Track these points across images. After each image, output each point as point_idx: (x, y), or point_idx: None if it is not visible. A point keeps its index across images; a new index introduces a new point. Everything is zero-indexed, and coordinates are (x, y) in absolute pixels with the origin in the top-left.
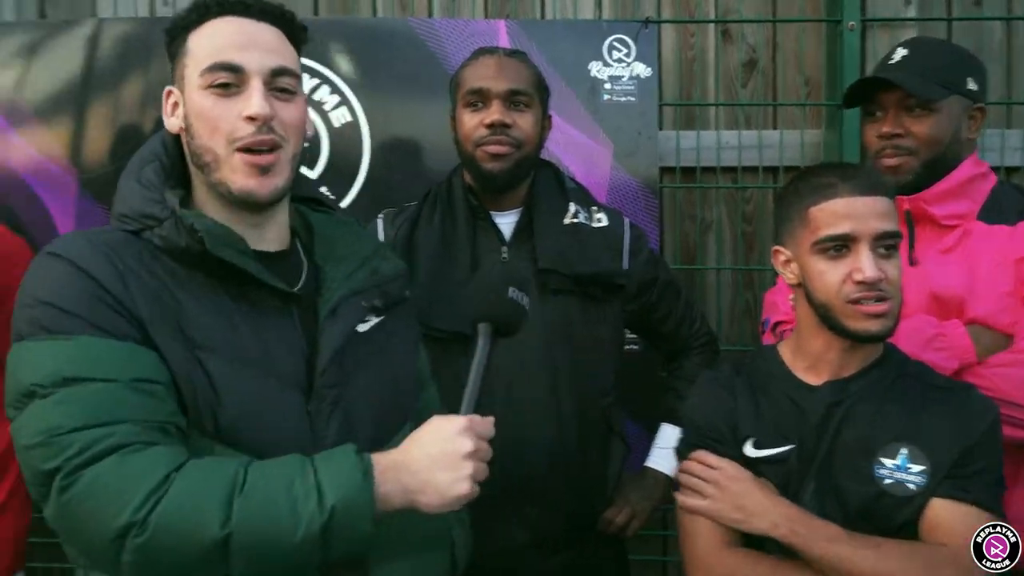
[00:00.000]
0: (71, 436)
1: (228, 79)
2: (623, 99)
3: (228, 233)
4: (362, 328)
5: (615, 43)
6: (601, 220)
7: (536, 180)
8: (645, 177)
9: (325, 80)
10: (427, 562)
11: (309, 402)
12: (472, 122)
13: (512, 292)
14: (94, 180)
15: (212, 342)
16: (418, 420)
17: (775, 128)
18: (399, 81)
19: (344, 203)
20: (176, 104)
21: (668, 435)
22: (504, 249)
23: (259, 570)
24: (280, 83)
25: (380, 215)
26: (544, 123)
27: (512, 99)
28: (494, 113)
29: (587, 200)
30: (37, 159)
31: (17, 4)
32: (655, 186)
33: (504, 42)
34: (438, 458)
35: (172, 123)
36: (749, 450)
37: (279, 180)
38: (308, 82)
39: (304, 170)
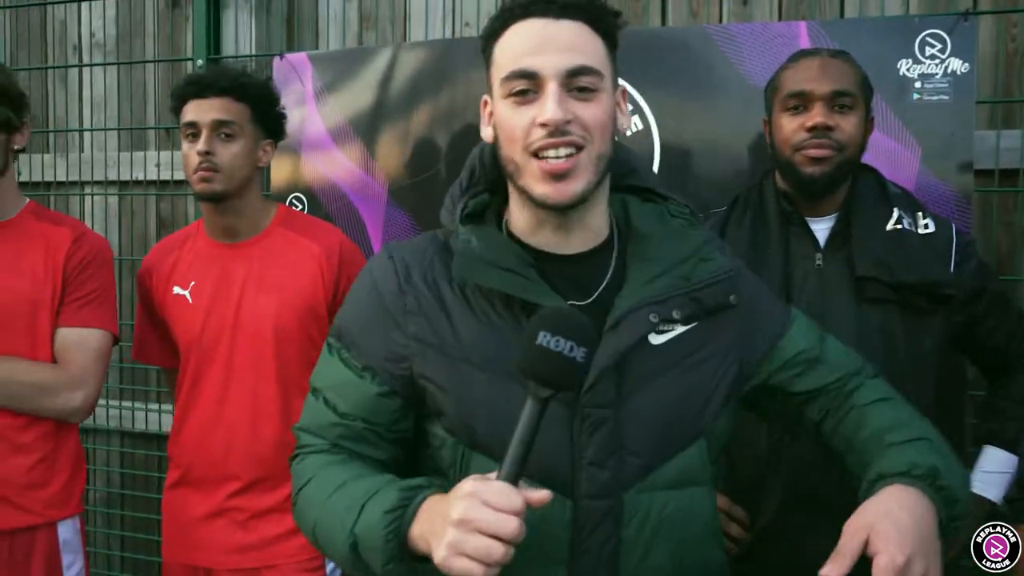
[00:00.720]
0: (298, 431)
1: (524, 86)
2: (935, 98)
3: (490, 252)
4: (657, 340)
5: (928, 39)
6: (928, 226)
7: (856, 184)
8: (957, 181)
9: None
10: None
11: (574, 418)
12: (792, 125)
13: (542, 338)
14: (400, 190)
15: (474, 355)
16: None
17: None
18: (692, 88)
19: None
20: (491, 113)
21: (994, 458)
22: (818, 256)
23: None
24: (579, 83)
25: None
26: (867, 125)
27: (836, 101)
28: (816, 116)
29: (913, 205)
30: (353, 171)
31: (342, 33)
32: (968, 191)
33: (805, 44)
34: (440, 515)
35: (486, 132)
36: None
37: (578, 184)
38: None
39: None
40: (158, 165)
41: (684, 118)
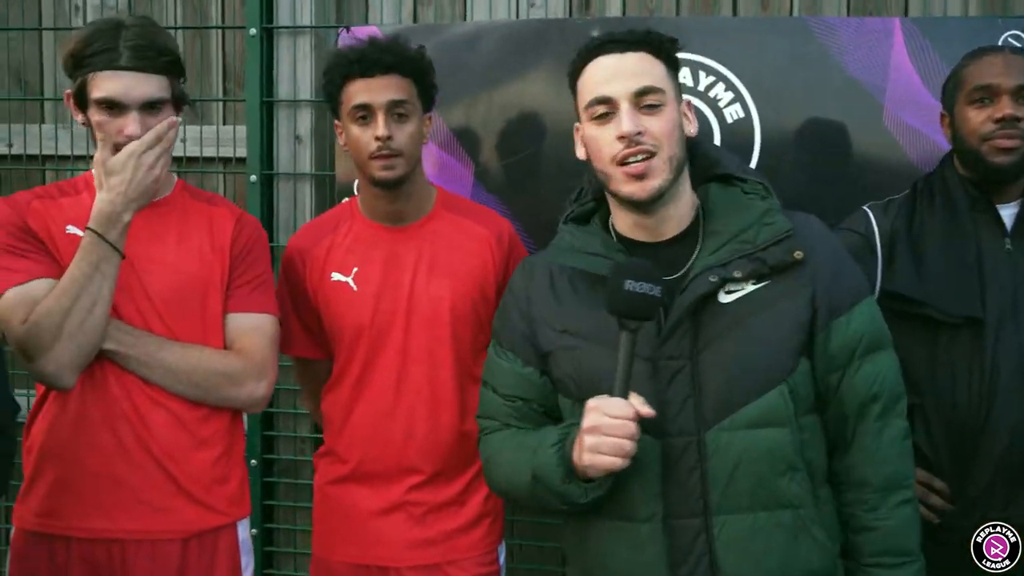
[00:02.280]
0: (478, 419)
1: (604, 109)
2: None
3: (579, 242)
4: (726, 299)
5: (1010, 39)
6: None
7: None
8: None
9: (721, 77)
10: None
11: (656, 371)
12: (979, 117)
13: (629, 284)
14: (485, 173)
15: (578, 328)
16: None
17: None
18: (792, 77)
19: None
20: (582, 136)
21: None
22: (1007, 241)
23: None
24: (646, 101)
25: (866, 206)
26: None
27: (1021, 94)
28: (1004, 108)
29: None
30: (438, 154)
31: (392, 10)
32: None
33: (899, 38)
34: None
35: (580, 152)
36: None
37: (655, 182)
38: (704, 79)
39: None
40: (184, 140)
41: (784, 106)
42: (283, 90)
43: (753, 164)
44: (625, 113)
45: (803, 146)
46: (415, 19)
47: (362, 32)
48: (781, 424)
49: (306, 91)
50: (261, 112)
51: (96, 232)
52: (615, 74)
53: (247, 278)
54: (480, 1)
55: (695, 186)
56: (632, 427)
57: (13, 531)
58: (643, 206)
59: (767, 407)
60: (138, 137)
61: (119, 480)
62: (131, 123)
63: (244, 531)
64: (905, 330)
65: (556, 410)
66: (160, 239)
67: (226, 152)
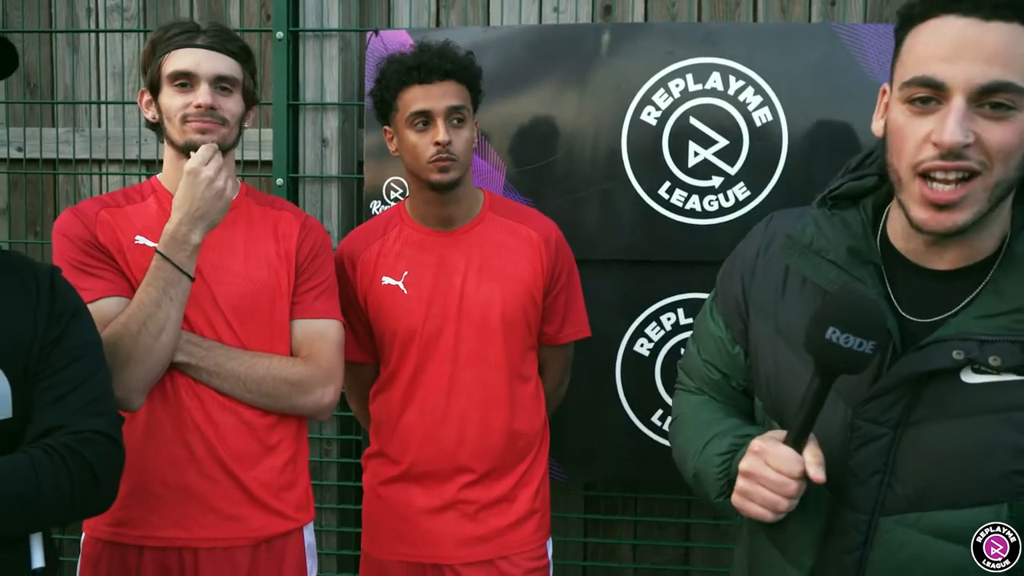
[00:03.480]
0: (679, 367)
1: (926, 94)
2: None
3: (821, 240)
4: (973, 379)
5: None
6: None
7: None
8: None
9: (750, 81)
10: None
11: (854, 421)
12: None
13: (831, 333)
14: (518, 175)
15: (790, 331)
16: None
17: None
18: (818, 81)
19: (759, 198)
20: (886, 105)
21: None
22: None
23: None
24: (993, 99)
25: None
26: None
27: None
28: None
29: None
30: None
31: (413, 16)
32: None
33: None
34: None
35: (877, 126)
36: None
37: (963, 216)
38: (734, 83)
39: (723, 166)
40: None
41: (810, 109)
42: (309, 93)
43: (780, 165)
44: (955, 112)
45: (829, 148)
46: (438, 23)
47: (391, 36)
48: None
49: (332, 94)
50: (287, 115)
51: (163, 255)
52: (962, 49)
53: (312, 284)
54: (504, 5)
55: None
56: (793, 487)
57: (84, 537)
58: (934, 235)
59: (969, 522)
60: (208, 107)
61: (190, 490)
62: (203, 93)
63: (310, 535)
64: None
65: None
66: (228, 248)
67: (252, 155)
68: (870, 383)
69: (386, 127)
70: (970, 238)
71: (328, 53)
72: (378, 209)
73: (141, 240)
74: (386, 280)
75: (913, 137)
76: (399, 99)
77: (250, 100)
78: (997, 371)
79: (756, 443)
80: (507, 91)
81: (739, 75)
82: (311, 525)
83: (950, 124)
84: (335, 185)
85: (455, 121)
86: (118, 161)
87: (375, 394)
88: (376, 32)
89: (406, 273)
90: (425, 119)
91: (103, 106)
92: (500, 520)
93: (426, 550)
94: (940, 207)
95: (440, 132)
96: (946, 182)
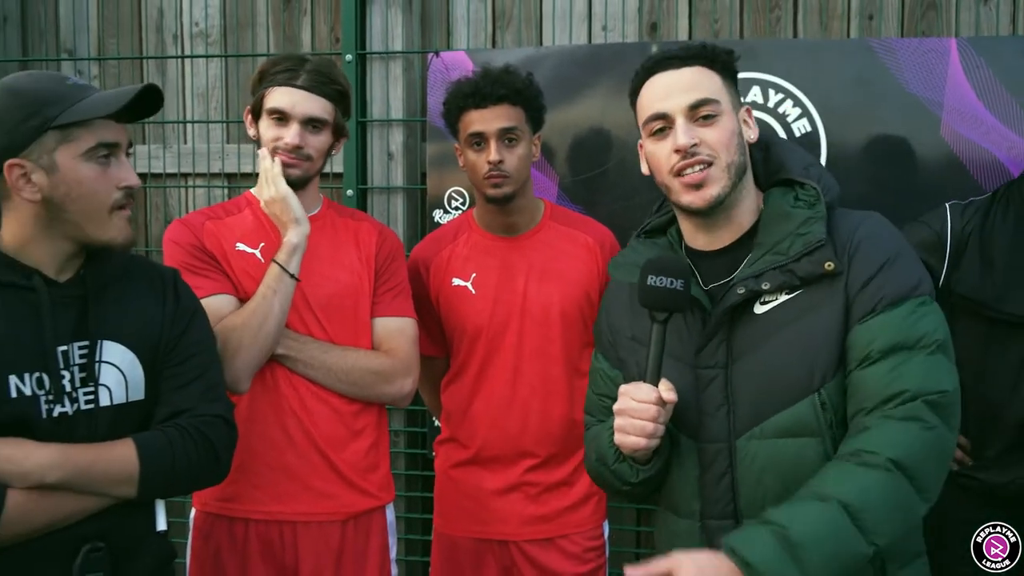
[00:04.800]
0: (584, 413)
1: (660, 124)
2: None
3: (639, 256)
4: (760, 310)
5: None
6: None
7: None
8: None
9: (789, 95)
10: None
11: (696, 378)
12: None
13: (651, 280)
14: (571, 185)
15: (644, 335)
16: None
17: None
18: (855, 94)
19: None
20: (644, 152)
21: None
22: None
23: None
24: (701, 112)
25: (948, 204)
26: None
27: None
28: None
29: None
30: None
31: (471, 36)
32: None
33: (955, 58)
34: None
35: (644, 168)
36: None
37: (714, 190)
38: (773, 97)
39: None
40: None
41: (848, 120)
42: (376, 111)
43: None
44: (680, 127)
45: (866, 157)
46: (494, 43)
47: (451, 57)
48: (811, 435)
49: (397, 111)
50: (356, 131)
51: (280, 265)
52: (670, 90)
53: (390, 285)
54: (556, 25)
55: (764, 189)
56: (654, 410)
57: (194, 513)
58: (703, 214)
59: (796, 417)
60: (294, 146)
61: (289, 469)
62: (292, 134)
63: (391, 514)
64: (964, 322)
65: None
66: (316, 254)
67: (324, 168)
68: (697, 344)
69: (456, 145)
70: (732, 216)
71: (393, 73)
72: (440, 217)
73: (241, 247)
74: (456, 281)
75: (663, 154)
76: (460, 122)
77: (339, 134)
78: (772, 294)
79: (622, 387)
80: (559, 106)
81: (778, 88)
82: (391, 505)
83: (680, 135)
84: (400, 195)
85: (508, 141)
86: (202, 175)
87: (446, 385)
88: (437, 53)
89: (474, 275)
90: (480, 140)
91: (188, 125)
92: (560, 501)
93: (493, 528)
94: (695, 187)
95: (492, 152)
96: (693, 172)
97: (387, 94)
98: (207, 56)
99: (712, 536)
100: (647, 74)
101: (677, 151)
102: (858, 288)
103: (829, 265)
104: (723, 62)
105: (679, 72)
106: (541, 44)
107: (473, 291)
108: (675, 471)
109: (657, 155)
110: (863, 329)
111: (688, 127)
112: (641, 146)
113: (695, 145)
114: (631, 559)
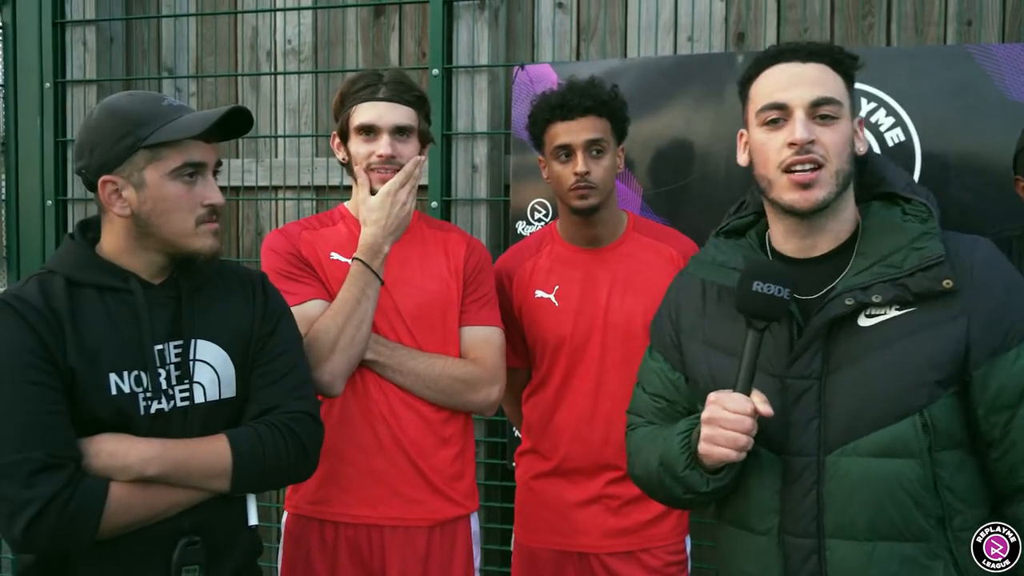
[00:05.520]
0: (628, 413)
1: (776, 115)
2: None
3: (722, 256)
4: (866, 323)
5: None
6: None
7: None
8: None
9: (882, 103)
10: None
11: (784, 388)
12: None
13: (757, 285)
14: (654, 197)
15: (718, 340)
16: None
17: None
18: (952, 102)
19: None
20: (746, 143)
21: None
22: None
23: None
24: (821, 111)
25: None
26: None
27: None
28: None
29: None
30: None
31: (556, 49)
32: None
33: None
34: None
35: (742, 158)
36: None
37: (821, 193)
38: (865, 106)
39: None
40: None
41: (944, 129)
42: (461, 123)
43: None
44: (799, 120)
45: (964, 168)
46: (578, 55)
47: (535, 70)
48: (910, 456)
49: (482, 124)
50: (441, 144)
51: (362, 261)
52: (793, 81)
53: (477, 295)
54: (641, 36)
55: (860, 203)
56: (748, 422)
57: (286, 516)
58: (803, 216)
59: (896, 437)
60: (388, 157)
61: (378, 474)
62: (383, 144)
63: (475, 523)
64: None
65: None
66: (407, 263)
67: None
68: (787, 353)
69: (540, 157)
70: (830, 224)
71: (478, 86)
72: (523, 229)
73: (335, 256)
74: (539, 293)
75: (774, 146)
76: (546, 134)
77: (425, 140)
78: (882, 308)
79: (711, 395)
80: (644, 117)
81: (871, 97)
82: (476, 514)
83: (799, 128)
84: (484, 207)
85: (594, 152)
86: (293, 187)
87: (528, 396)
88: (522, 66)
89: (557, 287)
90: (567, 152)
91: (279, 139)
92: (642, 514)
93: (574, 540)
94: (803, 186)
95: (579, 163)
96: (803, 170)
97: (472, 107)
98: (299, 72)
99: (790, 553)
100: (770, 61)
101: (792, 144)
102: (988, 313)
103: (947, 283)
104: (847, 66)
105: (804, 66)
106: (626, 56)
107: (556, 303)
108: (752, 484)
109: (766, 146)
110: (1003, 363)
111: (807, 122)
112: (742, 135)
113: (811, 143)
114: None
